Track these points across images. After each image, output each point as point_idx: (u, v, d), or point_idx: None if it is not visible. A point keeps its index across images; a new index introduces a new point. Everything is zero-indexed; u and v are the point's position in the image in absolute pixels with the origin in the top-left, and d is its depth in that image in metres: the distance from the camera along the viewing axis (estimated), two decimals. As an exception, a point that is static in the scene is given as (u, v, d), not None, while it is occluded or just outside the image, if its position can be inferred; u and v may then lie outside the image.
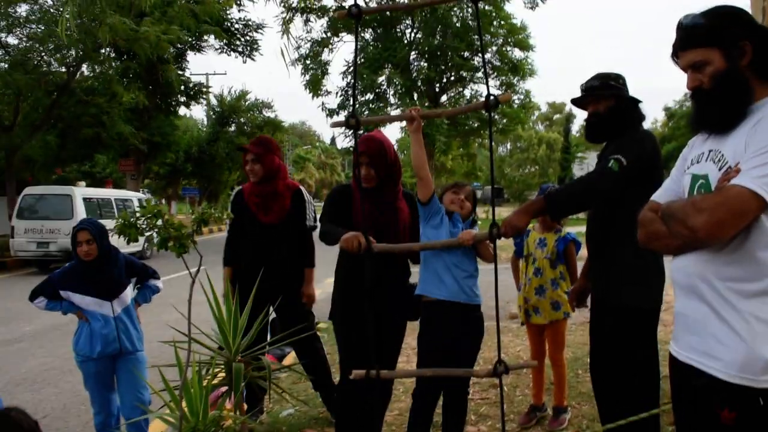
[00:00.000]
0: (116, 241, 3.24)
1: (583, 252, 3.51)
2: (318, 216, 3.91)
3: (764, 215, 1.60)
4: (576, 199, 2.83)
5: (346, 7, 2.15)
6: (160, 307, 4.05)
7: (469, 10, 22.87)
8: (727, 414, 1.66)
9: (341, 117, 24.93)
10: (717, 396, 1.68)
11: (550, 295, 3.99)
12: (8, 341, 7.18)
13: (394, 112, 24.59)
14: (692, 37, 1.78)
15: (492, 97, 2.31)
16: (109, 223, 3.60)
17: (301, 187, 4.21)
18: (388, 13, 23.33)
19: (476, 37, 23.93)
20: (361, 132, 2.96)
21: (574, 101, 3.18)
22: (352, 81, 2.71)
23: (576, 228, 3.60)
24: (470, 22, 23.35)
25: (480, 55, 24.87)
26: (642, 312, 2.70)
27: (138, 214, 2.49)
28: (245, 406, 3.75)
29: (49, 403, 5.19)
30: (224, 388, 3.35)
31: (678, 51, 1.83)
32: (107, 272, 3.63)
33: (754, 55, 1.72)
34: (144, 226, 2.46)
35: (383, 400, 3.62)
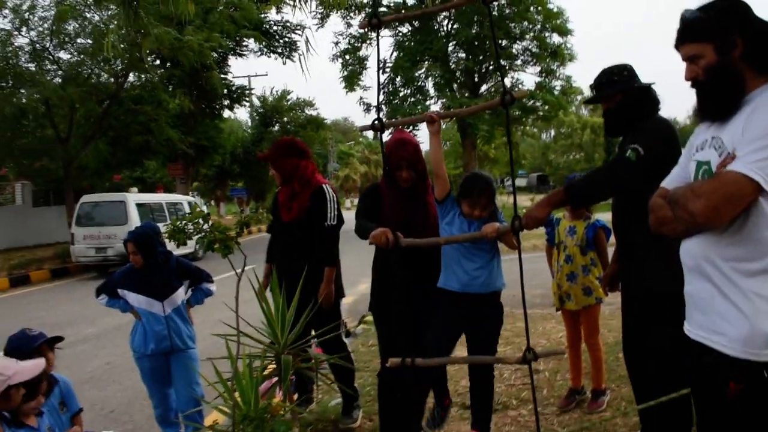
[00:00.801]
0: (169, 243, 3.50)
1: (612, 238, 3.62)
2: (341, 214, 4.10)
3: (762, 198, 1.68)
4: (595, 189, 2.91)
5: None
6: (214, 306, 4.29)
7: (504, -2, 22.70)
8: (733, 387, 1.75)
9: (381, 112, 25.12)
10: (723, 371, 1.78)
11: (582, 281, 4.09)
12: (73, 343, 7.54)
13: (434, 106, 24.65)
14: (687, 32, 1.89)
15: (507, 95, 2.45)
16: (162, 228, 3.87)
17: (325, 186, 4.17)
18: (422, 4, 23.37)
19: (513, 24, 23.79)
20: (389, 132, 3.14)
21: (588, 102, 3.31)
22: (377, 85, 2.83)
23: (605, 215, 3.67)
24: (506, 9, 23.17)
25: (518, 42, 24.65)
26: (666, 295, 2.77)
27: (185, 220, 2.72)
28: (295, 396, 3.96)
29: (114, 399, 5.52)
30: (274, 380, 3.56)
31: (677, 44, 1.93)
32: (157, 275, 3.90)
33: (746, 48, 1.80)
34: (191, 231, 2.68)
35: (423, 387, 3.77)
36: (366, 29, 2.49)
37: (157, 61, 21.01)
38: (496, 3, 22.83)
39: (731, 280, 1.77)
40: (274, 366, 3.30)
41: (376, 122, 2.41)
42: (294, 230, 4.11)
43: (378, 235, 3.05)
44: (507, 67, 24.81)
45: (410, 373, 2.94)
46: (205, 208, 20.06)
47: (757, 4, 1.92)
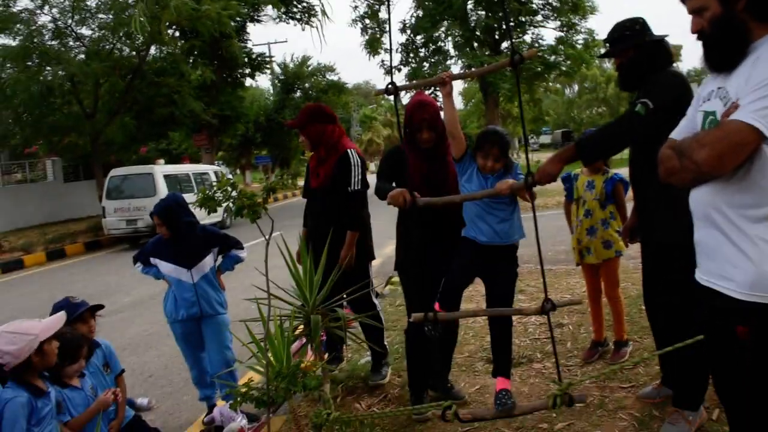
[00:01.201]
0: (198, 212, 3.63)
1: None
2: (366, 179, 4.18)
3: (765, 145, 1.73)
4: (605, 143, 2.95)
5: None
6: (244, 272, 4.44)
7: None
8: (741, 329, 1.83)
9: (401, 72, 25.06)
10: (733, 313, 1.85)
11: (602, 234, 4.14)
12: (111, 312, 7.78)
13: (455, 67, 24.39)
14: None
15: (517, 55, 2.50)
16: (190, 197, 4.02)
17: (350, 150, 4.19)
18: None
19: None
20: (405, 95, 3.20)
21: (601, 56, 3.32)
22: (390, 47, 2.87)
23: (623, 169, 3.70)
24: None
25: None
26: (676, 246, 2.82)
27: (215, 188, 2.84)
28: (326, 355, 4.12)
29: (152, 364, 5.77)
30: (304, 340, 3.71)
31: None
32: (184, 244, 4.05)
33: None
34: (221, 198, 2.80)
35: (449, 340, 3.90)
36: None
37: (177, 33, 21.06)
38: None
39: (738, 227, 1.83)
40: (303, 327, 3.45)
41: (390, 86, 2.48)
42: (322, 196, 4.21)
43: (396, 195, 3.13)
44: (528, 24, 24.36)
45: (433, 326, 3.07)
46: (231, 177, 20.47)
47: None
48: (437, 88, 3.83)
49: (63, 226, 18.38)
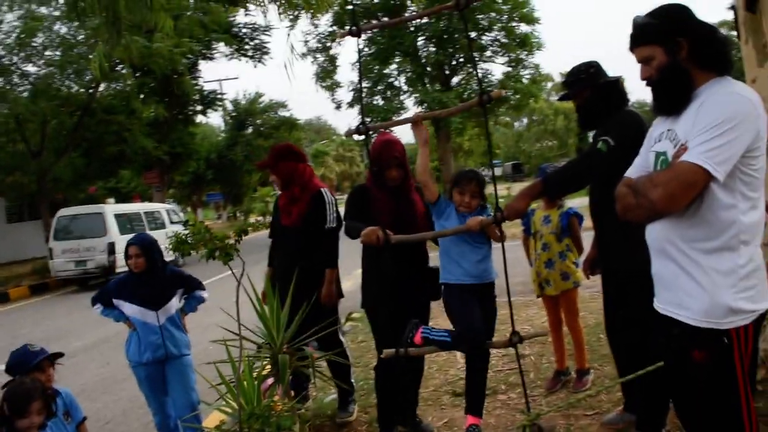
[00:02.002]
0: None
1: (587, 223, 3.80)
2: (340, 216, 4.18)
3: (713, 184, 1.90)
4: (570, 180, 3.09)
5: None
6: (201, 312, 4.39)
7: (472, -10, 22.85)
8: (698, 353, 1.98)
9: (353, 110, 25.35)
10: (689, 339, 2.01)
11: (559, 267, 4.28)
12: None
13: (407, 101, 24.84)
14: (639, 36, 2.10)
15: (486, 96, 2.63)
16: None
17: (324, 189, 4.26)
18: (392, 1, 23.50)
19: (481, 16, 24.00)
20: (373, 134, 3.30)
21: (560, 100, 3.51)
22: (359, 91, 2.94)
23: (576, 201, 3.86)
24: (475, 3, 23.32)
25: (487, 33, 24.87)
26: (640, 275, 2.95)
27: (187, 231, 2.84)
28: (292, 394, 4.08)
29: (108, 410, 5.58)
30: (271, 380, 3.68)
31: (631, 47, 2.14)
32: (153, 284, 3.98)
33: (691, 48, 2.02)
34: (194, 241, 2.80)
35: (416, 375, 3.92)
36: (340, 39, 2.72)
37: (125, 70, 20.85)
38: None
39: (691, 259, 1.99)
40: (270, 366, 3.43)
41: (362, 126, 2.56)
42: (294, 234, 4.20)
43: (369, 233, 3.20)
44: (478, 59, 25.03)
45: (403, 363, 3.09)
46: (182, 215, 19.98)
47: (698, 8, 2.12)
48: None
49: (6, 269, 17.75)
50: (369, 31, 24.39)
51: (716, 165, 1.85)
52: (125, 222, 15.41)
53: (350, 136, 2.89)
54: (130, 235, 4.22)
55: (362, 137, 2.77)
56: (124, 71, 18.56)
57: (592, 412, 3.86)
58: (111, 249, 14.41)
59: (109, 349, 7.80)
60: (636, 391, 3.33)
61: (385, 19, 23.69)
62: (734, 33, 3.86)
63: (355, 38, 3.14)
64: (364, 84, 25.42)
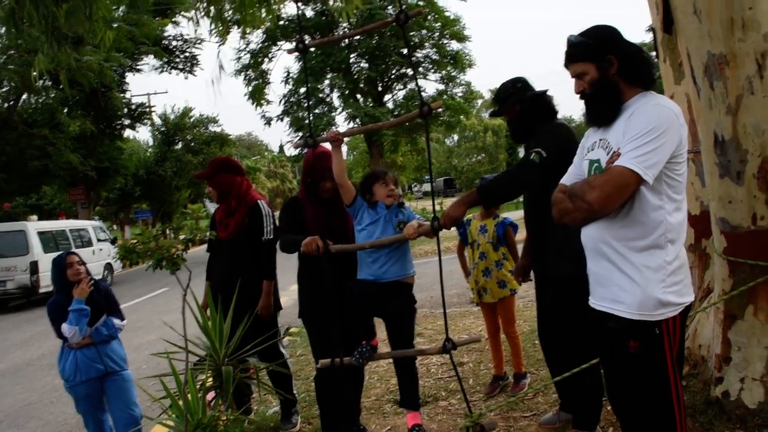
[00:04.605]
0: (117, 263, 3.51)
1: (521, 234, 3.97)
2: (276, 229, 4.20)
3: (643, 187, 2.09)
4: (505, 189, 3.22)
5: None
6: (130, 332, 4.32)
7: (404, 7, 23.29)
8: (632, 344, 2.17)
9: (283, 123, 25.33)
10: (624, 332, 2.18)
11: (496, 275, 4.43)
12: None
13: (339, 117, 25.02)
14: (574, 54, 2.28)
15: (426, 107, 2.73)
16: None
17: (260, 202, 4.28)
18: (323, 17, 23.68)
19: (413, 33, 24.47)
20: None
21: (492, 116, 3.67)
22: (307, 103, 2.99)
23: (510, 213, 4.03)
24: (414, 19, 23.77)
25: (419, 50, 25.37)
26: (577, 279, 3.10)
27: (136, 240, 2.81)
28: (235, 406, 4.05)
29: (37, 435, 5.37)
30: (212, 393, 3.65)
31: (566, 64, 2.32)
32: (88, 299, 3.88)
33: (620, 65, 2.21)
34: (142, 250, 2.78)
35: (356, 385, 3.97)
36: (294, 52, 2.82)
37: (50, 83, 20.12)
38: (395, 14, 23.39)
39: (624, 257, 2.17)
40: (212, 378, 3.41)
41: (309, 139, 2.61)
42: (231, 247, 4.20)
43: (309, 242, 3.25)
44: (410, 76, 25.49)
45: (344, 371, 3.13)
46: (108, 233, 19.37)
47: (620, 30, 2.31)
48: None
49: None
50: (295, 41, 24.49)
51: (646, 169, 2.03)
52: (49, 240, 14.82)
53: (298, 148, 2.94)
54: (55, 254, 4.06)
55: (275, 149, 2.86)
56: (49, 83, 17.90)
57: (530, 413, 4.00)
58: (34, 268, 13.81)
59: (33, 371, 7.49)
60: (571, 392, 3.49)
61: (318, 36, 23.92)
62: (654, 53, 4.12)
63: (297, 54, 3.20)
64: (297, 98, 25.45)
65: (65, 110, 20.11)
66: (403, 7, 2.90)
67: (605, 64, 2.21)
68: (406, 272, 3.53)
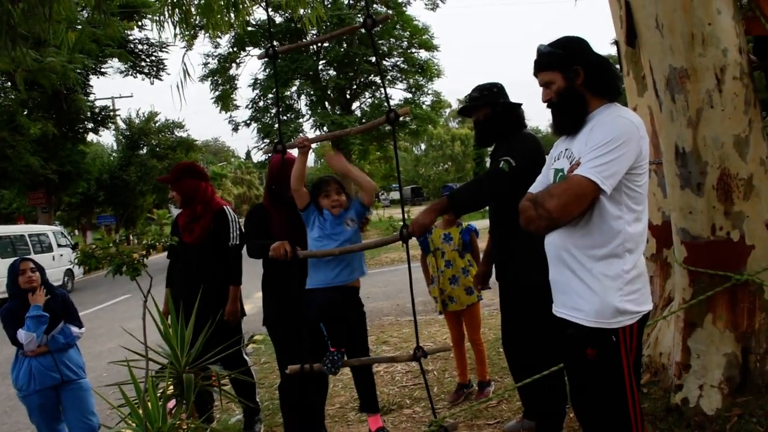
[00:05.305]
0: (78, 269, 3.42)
1: (481, 241, 3.98)
2: (242, 234, 4.16)
3: (603, 196, 2.13)
4: (475, 197, 3.23)
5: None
6: (91, 340, 4.22)
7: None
8: (590, 351, 2.20)
9: (250, 129, 25.18)
10: (582, 339, 2.22)
11: (463, 282, 4.45)
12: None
13: (306, 123, 24.97)
14: (542, 63, 2.32)
15: (392, 113, 2.74)
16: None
17: (226, 207, 4.27)
18: (293, 24, 23.63)
19: (381, 41, 24.59)
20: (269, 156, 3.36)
21: (461, 112, 3.68)
22: (277, 109, 3.00)
23: (476, 221, 4.06)
24: (381, 25, 23.91)
25: (387, 59, 25.47)
26: (539, 286, 3.13)
27: (95, 246, 2.75)
28: (196, 414, 3.98)
29: (-12, 446, 5.20)
30: (173, 402, 3.58)
31: (535, 72, 2.35)
32: (47, 306, 3.77)
33: (586, 76, 2.25)
34: (101, 254, 2.71)
35: (321, 392, 3.94)
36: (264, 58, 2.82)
37: (9, 83, 19.63)
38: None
39: (583, 265, 2.21)
40: (174, 386, 3.35)
41: (278, 145, 2.60)
42: (196, 252, 4.15)
43: (277, 247, 3.25)
44: (378, 83, 25.55)
45: (310, 378, 3.11)
46: (69, 239, 18.95)
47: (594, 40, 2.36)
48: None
49: None
50: (265, 47, 24.47)
51: (604, 179, 2.07)
52: (6, 245, 14.49)
53: (267, 154, 2.94)
54: (12, 259, 3.97)
55: (243, 154, 2.85)
56: (8, 84, 17.49)
57: (494, 421, 4.01)
58: (-11, 274, 13.41)
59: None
60: (534, 399, 3.51)
61: (286, 42, 23.85)
62: (618, 66, 4.19)
63: (266, 59, 3.19)
64: (264, 103, 25.34)
65: (25, 112, 19.63)
66: (371, 12, 2.89)
67: (572, 74, 2.25)
68: (354, 276, 3.53)
